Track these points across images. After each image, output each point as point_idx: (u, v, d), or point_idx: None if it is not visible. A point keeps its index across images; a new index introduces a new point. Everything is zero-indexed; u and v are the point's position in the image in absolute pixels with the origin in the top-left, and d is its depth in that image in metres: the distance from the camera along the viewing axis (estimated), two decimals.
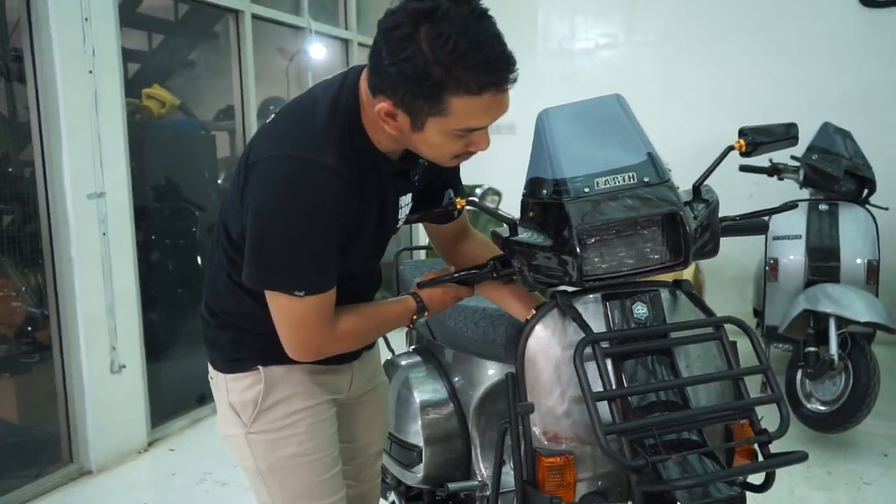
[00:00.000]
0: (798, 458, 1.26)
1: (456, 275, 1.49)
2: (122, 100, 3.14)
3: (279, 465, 1.41)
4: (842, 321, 3.05)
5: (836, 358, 3.01)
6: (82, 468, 3.07)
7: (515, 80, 1.19)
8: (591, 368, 1.31)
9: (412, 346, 2.41)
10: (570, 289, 1.42)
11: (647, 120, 4.91)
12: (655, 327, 1.38)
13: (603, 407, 1.29)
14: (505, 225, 1.40)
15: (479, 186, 4.13)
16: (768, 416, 1.36)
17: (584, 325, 1.36)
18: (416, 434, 2.08)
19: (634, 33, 5.13)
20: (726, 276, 4.70)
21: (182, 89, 4.41)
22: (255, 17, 4.01)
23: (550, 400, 1.38)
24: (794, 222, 3.45)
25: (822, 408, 3.10)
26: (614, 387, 1.33)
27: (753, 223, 1.54)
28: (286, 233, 1.19)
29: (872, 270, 3.27)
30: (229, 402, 1.41)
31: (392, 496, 2.29)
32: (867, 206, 3.39)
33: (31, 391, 3.26)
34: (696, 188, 1.47)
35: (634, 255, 1.33)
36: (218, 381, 1.45)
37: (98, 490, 2.96)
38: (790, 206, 1.57)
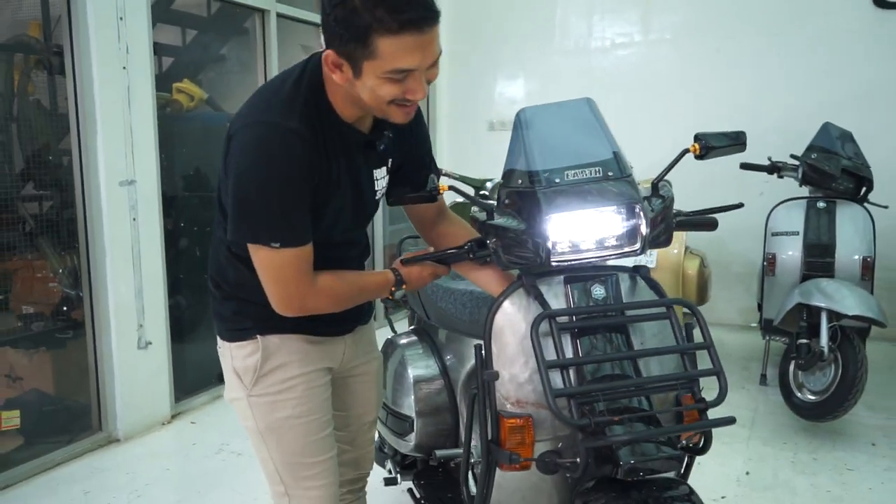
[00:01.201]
0: (727, 421, 1.42)
1: (435, 254, 1.66)
2: (152, 94, 3.38)
3: (276, 426, 1.56)
4: (833, 315, 3.16)
5: (826, 350, 3.13)
6: (110, 436, 3.32)
7: (436, 23, 1.28)
8: (548, 343, 1.48)
9: (411, 327, 2.61)
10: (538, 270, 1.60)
11: (661, 116, 5.15)
12: (609, 305, 1.55)
13: (558, 377, 1.46)
14: (483, 210, 1.58)
15: (490, 180, 4.27)
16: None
17: (543, 303, 1.53)
18: (409, 406, 2.27)
19: (650, 31, 5.24)
20: (733, 272, 4.81)
21: (210, 83, 4.65)
22: (280, 15, 4.21)
23: (514, 368, 1.56)
24: (792, 219, 3.56)
25: (812, 397, 3.22)
26: (562, 358, 1.50)
27: (703, 220, 1.70)
28: (259, 188, 1.34)
29: (867, 267, 3.37)
30: (233, 368, 1.57)
31: (389, 464, 2.49)
32: (865, 204, 3.48)
33: (65, 365, 3.53)
34: (655, 185, 1.64)
35: (596, 242, 1.50)
36: (224, 349, 1.61)
37: (124, 456, 3.21)
38: (737, 205, 1.72)
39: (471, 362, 2.15)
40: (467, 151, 5.82)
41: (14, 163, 3.34)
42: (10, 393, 3.43)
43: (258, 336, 1.54)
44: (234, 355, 1.57)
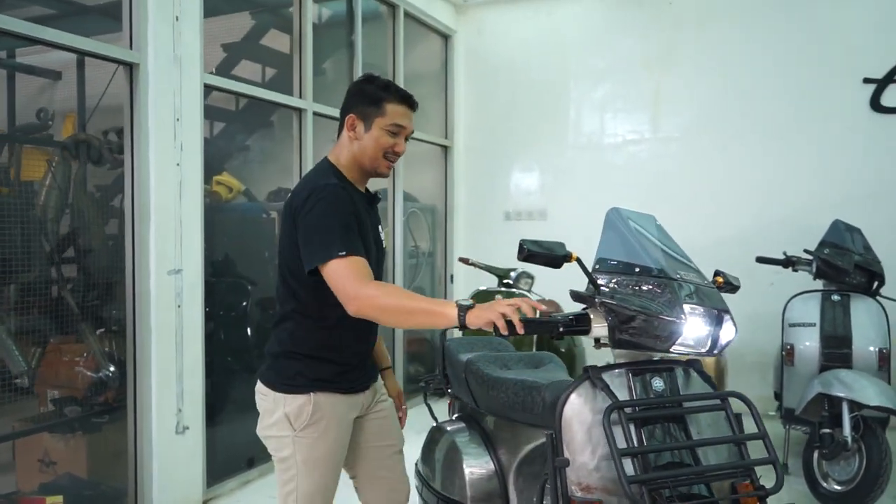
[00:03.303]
0: None
1: (535, 320, 1.70)
2: (201, 188, 3.59)
3: (312, 460, 2.01)
4: (854, 405, 3.29)
5: (849, 439, 3.24)
6: None
7: (415, 110, 2.08)
8: (617, 431, 1.62)
9: (455, 415, 2.72)
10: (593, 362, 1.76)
11: (671, 210, 5.34)
12: (671, 397, 1.70)
13: (627, 463, 1.60)
14: (594, 288, 1.74)
15: (514, 270, 4.48)
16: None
17: (611, 394, 1.68)
18: (461, 492, 2.37)
19: (659, 130, 5.56)
20: (747, 361, 4.94)
21: (242, 172, 4.89)
22: (315, 114, 4.49)
23: (583, 456, 1.69)
24: (809, 310, 3.73)
25: (838, 487, 3.31)
26: (631, 446, 1.64)
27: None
28: (324, 214, 1.87)
29: (884, 358, 3.53)
30: (285, 413, 1.99)
31: None
32: (878, 297, 3.67)
33: (100, 449, 3.59)
34: None
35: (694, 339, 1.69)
36: (274, 397, 2.02)
37: None
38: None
39: (523, 448, 2.28)
40: (484, 240, 6.04)
41: (61, 249, 3.51)
42: (43, 478, 3.48)
43: (311, 393, 2.00)
44: (287, 404, 2.00)
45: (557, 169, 5.90)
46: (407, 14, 5.57)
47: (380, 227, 2.14)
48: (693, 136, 5.43)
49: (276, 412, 2.01)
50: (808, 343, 3.68)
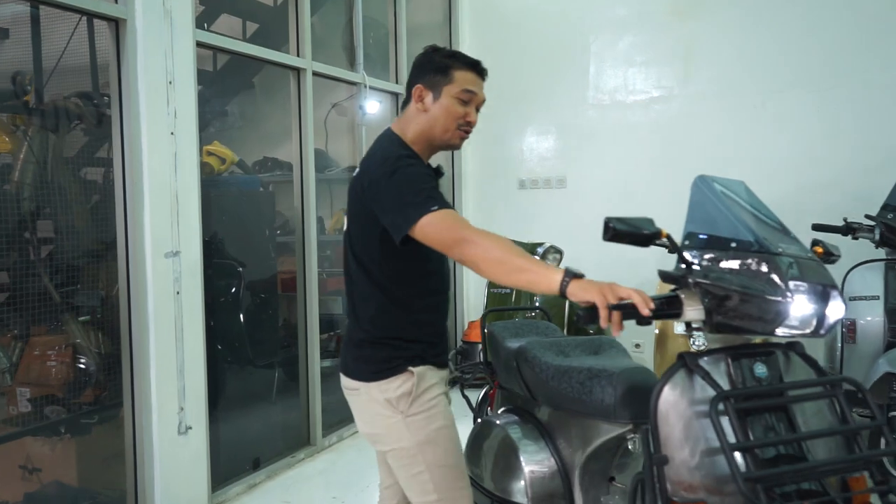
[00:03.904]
0: None
1: (618, 305, 1.66)
2: (197, 159, 3.52)
3: (433, 436, 2.04)
4: None
5: None
6: None
7: (485, 78, 2.15)
8: (724, 424, 1.61)
9: (503, 409, 2.71)
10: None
11: (703, 172, 5.23)
12: (779, 384, 1.69)
13: (737, 459, 1.59)
14: (685, 266, 1.73)
15: (541, 245, 4.46)
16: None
17: (713, 383, 1.66)
18: (520, 493, 2.37)
19: (690, 85, 5.52)
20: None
21: (227, 141, 4.82)
22: (315, 73, 4.41)
23: (683, 453, 1.68)
24: (871, 282, 3.75)
25: None
26: (741, 440, 1.62)
27: None
28: (407, 180, 1.93)
29: None
30: (385, 399, 2.04)
31: None
32: None
33: (93, 452, 3.55)
34: None
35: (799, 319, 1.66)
36: (368, 388, 2.06)
37: None
38: None
39: (590, 444, 2.27)
40: (496, 210, 6.00)
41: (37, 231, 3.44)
42: (27, 487, 3.44)
43: (410, 368, 2.05)
44: (384, 389, 2.05)
45: (576, 131, 5.86)
46: None
47: None
48: (729, 91, 5.39)
49: (376, 402, 2.06)
50: (871, 318, 3.69)
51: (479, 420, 2.70)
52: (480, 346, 3.02)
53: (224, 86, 5.28)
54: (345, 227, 2.15)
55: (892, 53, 4.98)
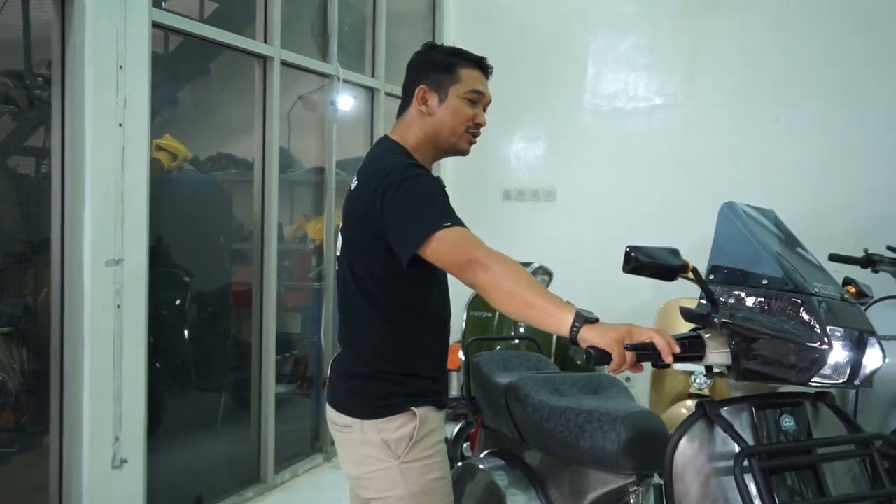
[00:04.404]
0: None
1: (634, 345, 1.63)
2: (147, 155, 3.45)
3: (429, 487, 2.03)
4: None
5: None
6: None
7: (490, 76, 2.17)
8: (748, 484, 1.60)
9: (487, 451, 2.68)
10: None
11: (711, 193, 5.34)
12: (809, 441, 1.68)
13: None
14: (710, 304, 1.71)
15: (529, 265, 4.44)
16: None
17: (737, 437, 1.65)
18: None
19: (696, 93, 5.56)
20: None
21: (179, 135, 4.74)
22: (283, 63, 4.37)
23: None
24: (890, 320, 3.76)
25: None
26: (766, 502, 1.61)
27: None
28: (415, 192, 1.92)
29: None
30: (382, 441, 2.01)
31: None
32: None
33: (11, 486, 3.45)
34: None
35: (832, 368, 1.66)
36: (362, 426, 2.04)
37: None
38: None
39: (588, 495, 2.25)
40: (477, 223, 5.85)
41: None
42: None
43: (413, 408, 2.03)
44: (382, 429, 2.02)
45: (570, 139, 5.87)
46: None
47: None
48: (738, 102, 5.44)
49: (370, 443, 2.03)
50: (891, 360, 3.71)
51: (460, 463, 2.67)
52: (462, 380, 2.99)
53: (177, 71, 5.20)
54: (338, 250, 2.13)
55: None
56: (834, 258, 3.87)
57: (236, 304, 4.80)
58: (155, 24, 3.52)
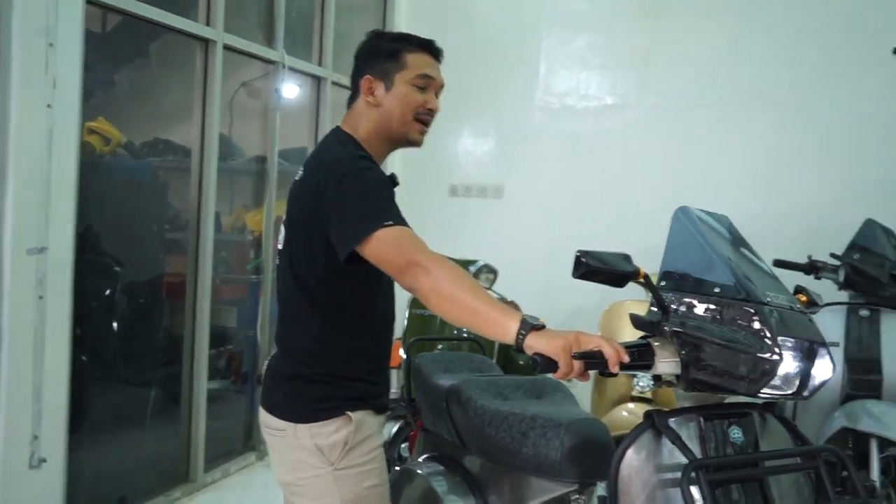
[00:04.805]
0: None
1: (582, 353, 1.59)
2: (77, 138, 3.31)
3: (363, 495, 1.98)
4: (885, 443, 3.39)
5: (878, 484, 3.34)
6: None
7: (441, 60, 2.11)
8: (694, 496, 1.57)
9: (426, 455, 2.62)
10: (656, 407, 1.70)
11: (661, 195, 5.34)
12: (757, 454, 1.66)
13: None
14: (660, 311, 1.69)
15: (473, 263, 4.39)
16: None
17: (685, 449, 1.62)
18: None
19: (649, 94, 5.57)
20: None
21: (114, 118, 4.59)
22: (226, 47, 4.25)
23: None
24: (830, 328, 3.81)
25: None
26: None
27: None
28: (360, 186, 1.87)
29: None
30: (315, 446, 1.95)
31: None
32: None
33: None
34: None
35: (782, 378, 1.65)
36: (296, 430, 1.98)
37: None
38: None
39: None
40: (423, 219, 5.81)
41: None
42: None
43: (349, 412, 1.97)
44: (315, 434, 1.96)
45: (519, 136, 5.84)
46: None
47: None
48: (688, 104, 5.46)
49: (303, 448, 1.97)
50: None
51: (398, 468, 2.61)
52: (402, 381, 2.93)
53: (114, 52, 5.03)
54: (280, 243, 2.08)
55: (866, 81, 5.14)
56: (778, 264, 3.89)
57: (169, 295, 4.67)
58: (90, 1, 3.38)
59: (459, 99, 5.87)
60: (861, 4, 5.17)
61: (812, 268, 3.92)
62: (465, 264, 4.44)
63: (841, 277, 3.80)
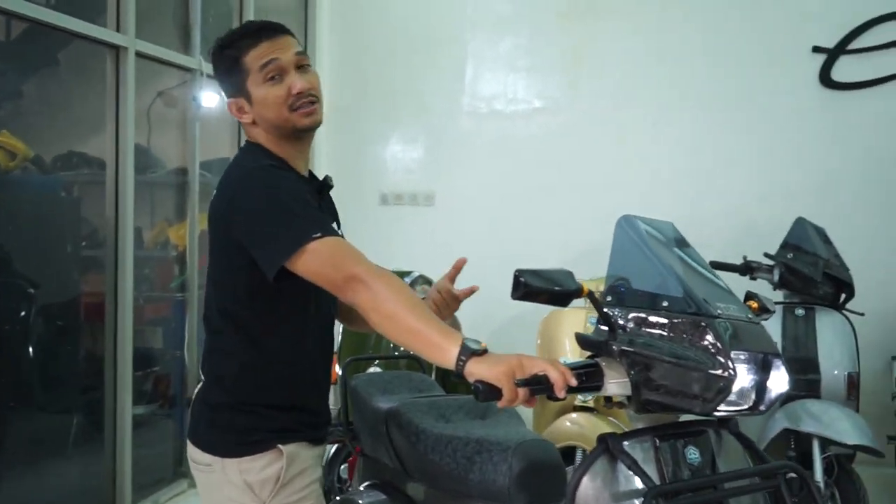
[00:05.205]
0: None
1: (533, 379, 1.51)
2: None
3: None
4: (826, 443, 3.39)
5: (822, 485, 3.34)
6: None
7: (286, 33, 1.92)
8: None
9: (366, 483, 2.49)
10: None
11: (592, 198, 5.31)
12: (717, 476, 1.59)
13: None
14: (608, 327, 1.61)
15: (408, 274, 4.28)
16: None
17: (642, 475, 1.53)
18: None
19: (579, 97, 5.52)
20: None
21: (21, 131, 4.35)
22: (139, 54, 4.05)
23: None
24: (767, 329, 3.81)
25: None
26: None
27: None
28: (271, 199, 1.75)
29: (853, 384, 3.67)
30: (244, 482, 1.83)
31: None
32: (844, 311, 3.82)
33: None
34: None
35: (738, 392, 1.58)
36: (223, 465, 1.85)
37: None
38: None
39: None
40: (354, 229, 5.67)
41: None
42: None
43: (279, 445, 1.85)
44: (244, 469, 1.84)
45: (449, 142, 5.74)
46: None
47: (334, 224, 1.96)
48: (618, 107, 5.44)
49: (231, 484, 1.85)
50: None
51: (338, 498, 2.47)
52: (338, 402, 2.79)
53: (20, 60, 4.78)
54: (207, 264, 1.96)
55: (788, 78, 5.20)
56: (714, 265, 3.87)
57: (88, 316, 4.46)
58: None
59: (386, 104, 5.79)
60: (782, 2, 5.23)
61: (747, 268, 3.91)
62: (400, 276, 4.32)
63: (776, 277, 3.80)
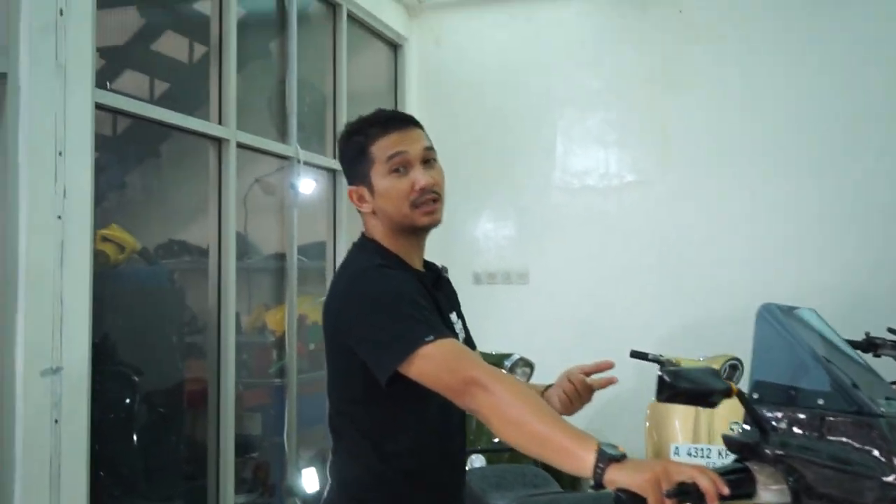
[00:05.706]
0: None
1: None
2: (90, 249, 3.13)
3: None
4: None
5: None
6: None
7: (418, 126, 1.92)
8: None
9: None
10: None
11: (689, 275, 5.08)
12: None
13: None
14: (757, 427, 1.49)
15: (508, 357, 4.18)
16: None
17: None
18: None
19: (668, 168, 5.40)
20: None
21: (126, 223, 4.45)
22: (240, 145, 4.13)
23: None
24: None
25: None
26: None
27: None
28: (381, 296, 1.73)
29: None
30: None
31: None
32: None
33: None
34: None
35: None
36: None
37: None
38: None
39: None
40: None
41: None
42: None
43: None
44: None
45: (541, 218, 5.67)
46: (350, 16, 5.29)
47: (454, 314, 2.00)
48: (712, 176, 5.27)
49: None
50: None
51: None
52: None
53: (125, 154, 4.94)
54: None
55: (888, 136, 4.98)
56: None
57: (191, 403, 4.48)
58: (99, 106, 3.24)
59: (477, 184, 5.76)
60: (885, 56, 5.03)
61: (870, 345, 3.67)
62: (501, 358, 4.23)
63: None
